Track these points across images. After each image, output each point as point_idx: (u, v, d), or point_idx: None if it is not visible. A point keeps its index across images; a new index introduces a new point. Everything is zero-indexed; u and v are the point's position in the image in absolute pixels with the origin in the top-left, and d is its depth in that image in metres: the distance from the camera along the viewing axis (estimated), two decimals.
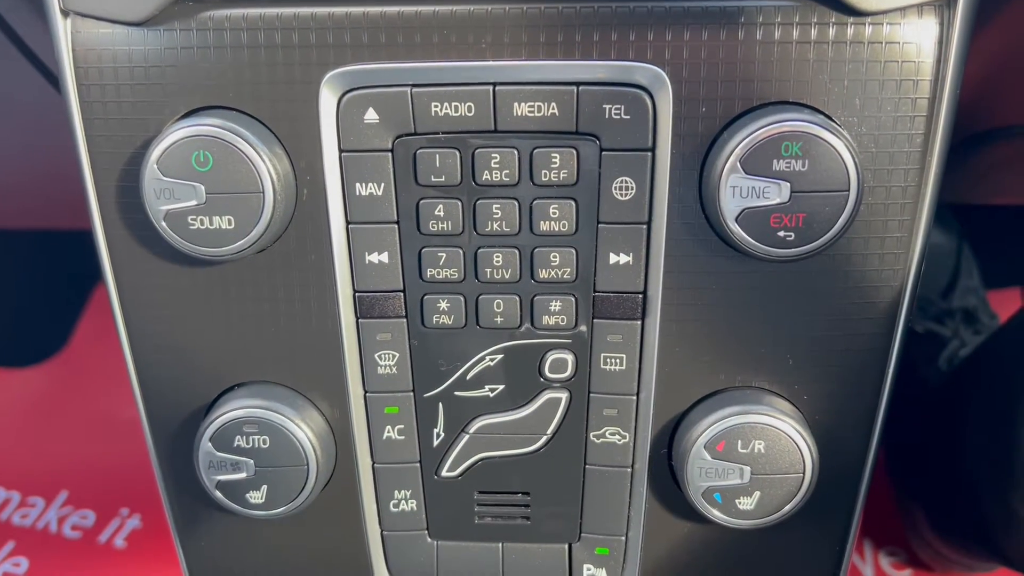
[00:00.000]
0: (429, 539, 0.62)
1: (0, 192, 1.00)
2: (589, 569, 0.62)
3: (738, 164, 0.49)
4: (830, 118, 0.50)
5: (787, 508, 0.55)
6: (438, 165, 0.52)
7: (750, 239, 0.50)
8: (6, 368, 1.58)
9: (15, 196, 1.03)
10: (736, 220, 0.50)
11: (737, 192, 0.49)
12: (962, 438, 1.13)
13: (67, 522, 1.35)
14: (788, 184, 0.49)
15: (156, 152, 0.50)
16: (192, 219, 0.51)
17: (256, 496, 0.57)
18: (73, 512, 1.36)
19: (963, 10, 0.49)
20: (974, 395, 1.14)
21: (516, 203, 0.53)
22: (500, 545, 0.62)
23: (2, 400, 1.55)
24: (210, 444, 0.56)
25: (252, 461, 0.56)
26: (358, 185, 0.53)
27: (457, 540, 0.62)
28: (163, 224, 0.51)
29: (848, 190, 0.49)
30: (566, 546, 0.61)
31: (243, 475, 0.56)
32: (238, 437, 0.56)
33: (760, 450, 0.54)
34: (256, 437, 0.56)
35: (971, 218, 1.31)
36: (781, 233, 0.50)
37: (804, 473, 0.54)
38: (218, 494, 0.57)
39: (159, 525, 1.34)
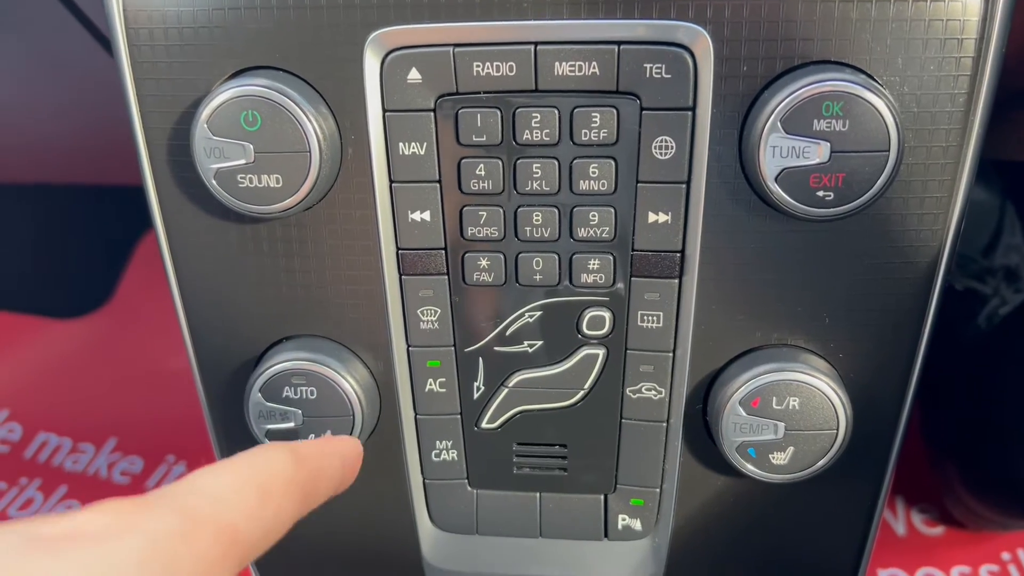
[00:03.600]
0: (469, 488, 0.64)
1: (46, 148, 1.02)
2: (624, 519, 0.63)
3: (779, 124, 0.49)
4: (872, 77, 0.49)
5: (820, 464, 0.56)
6: (479, 124, 0.53)
7: (789, 199, 0.50)
8: (55, 319, 1.62)
9: (61, 152, 1.05)
10: (776, 180, 0.50)
11: (777, 152, 0.49)
12: (999, 397, 1.12)
13: (116, 468, 1.39)
14: (828, 144, 0.49)
15: (206, 112, 0.51)
16: (241, 177, 0.52)
17: None
18: (122, 458, 1.40)
19: None
20: (1013, 354, 1.13)
21: (556, 162, 0.53)
22: (538, 495, 0.63)
23: (52, 350, 1.59)
24: (260, 395, 0.58)
25: (300, 411, 0.58)
26: (401, 144, 0.54)
27: (496, 489, 0.63)
28: (213, 182, 0.52)
29: (888, 150, 0.49)
30: (602, 497, 0.63)
31: (291, 424, 0.58)
32: (287, 388, 0.58)
33: (795, 406, 0.55)
34: (304, 388, 0.58)
35: (1015, 174, 1.29)
36: (820, 193, 0.50)
37: (838, 430, 0.55)
38: (268, 443, 0.59)
39: None
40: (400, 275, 0.57)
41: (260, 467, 0.39)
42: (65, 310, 1.63)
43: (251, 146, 0.51)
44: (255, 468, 0.39)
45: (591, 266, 0.56)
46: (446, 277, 0.57)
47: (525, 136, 0.53)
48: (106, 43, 0.60)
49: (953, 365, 1.19)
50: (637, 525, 0.63)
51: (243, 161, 0.52)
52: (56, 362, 1.57)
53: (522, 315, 0.58)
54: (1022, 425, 1.07)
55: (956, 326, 1.23)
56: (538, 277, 0.56)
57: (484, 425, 0.61)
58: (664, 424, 0.60)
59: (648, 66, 0.51)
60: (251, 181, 0.52)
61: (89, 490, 1.36)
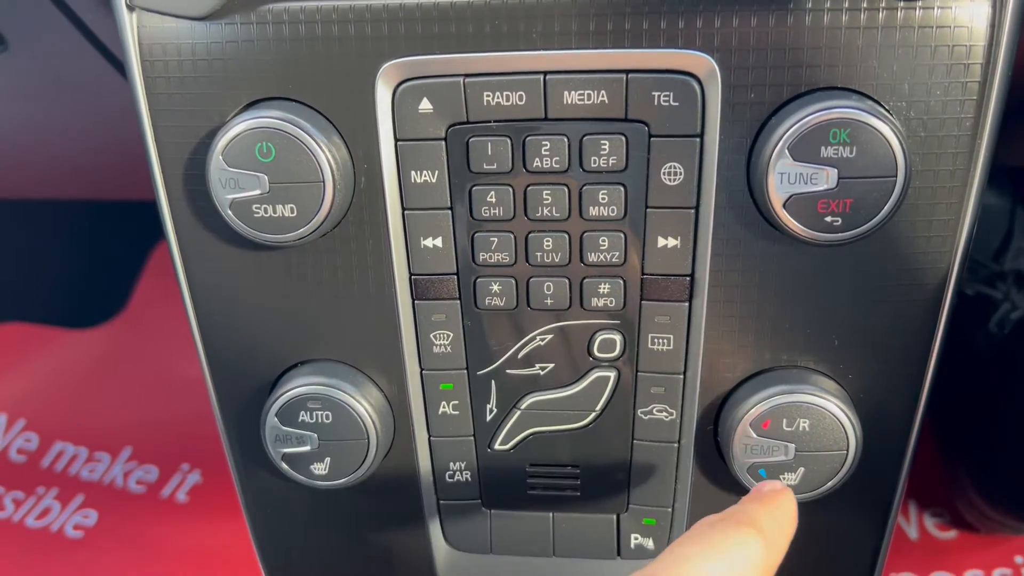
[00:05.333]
0: (483, 508, 0.64)
1: (58, 166, 1.04)
2: (636, 538, 0.64)
3: (786, 151, 0.49)
4: (879, 103, 0.50)
5: (830, 484, 0.57)
6: (490, 153, 0.53)
7: (798, 224, 0.51)
8: (70, 329, 1.64)
9: (76, 170, 1.06)
10: (784, 206, 0.50)
11: (785, 178, 0.50)
12: (1010, 402, 1.13)
13: (132, 476, 1.40)
14: (836, 170, 0.49)
15: (221, 143, 0.52)
16: (256, 207, 0.53)
17: (320, 467, 0.60)
18: (137, 467, 1.41)
19: None
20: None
21: (566, 189, 0.54)
22: (551, 515, 0.64)
23: (67, 360, 1.60)
24: (276, 419, 0.59)
25: (316, 435, 0.59)
26: (413, 172, 0.54)
27: (510, 509, 0.64)
28: (228, 212, 0.53)
29: (895, 176, 0.49)
30: (615, 516, 0.64)
31: (307, 448, 0.59)
32: (302, 412, 0.59)
33: (805, 428, 0.55)
34: (319, 412, 0.58)
35: None
36: (828, 218, 0.50)
37: (848, 450, 0.56)
38: (284, 465, 0.60)
39: (219, 480, 1.39)
40: (413, 300, 0.58)
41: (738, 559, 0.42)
42: (80, 320, 1.64)
43: (266, 177, 0.52)
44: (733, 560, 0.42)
45: (601, 290, 0.56)
46: (458, 302, 0.58)
47: (535, 163, 0.53)
48: (121, 67, 0.61)
49: (964, 369, 1.19)
50: (650, 544, 0.64)
51: (258, 192, 0.52)
52: (72, 372, 1.58)
53: (533, 338, 0.58)
54: None
55: (967, 331, 1.23)
56: (549, 301, 0.57)
57: (497, 447, 0.62)
58: (676, 445, 0.60)
59: (656, 94, 0.51)
60: (266, 211, 0.53)
61: (106, 499, 1.37)
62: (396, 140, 0.54)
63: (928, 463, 1.27)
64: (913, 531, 1.26)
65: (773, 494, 0.47)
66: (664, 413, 0.59)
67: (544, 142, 0.53)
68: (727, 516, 0.44)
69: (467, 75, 0.52)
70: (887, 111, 0.50)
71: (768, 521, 0.44)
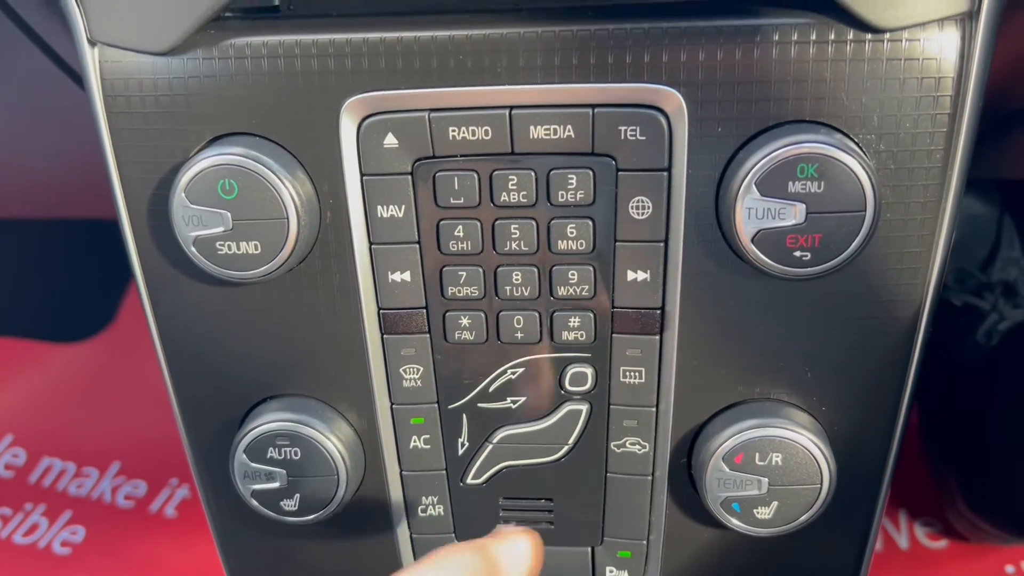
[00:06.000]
0: (456, 542, 0.64)
1: (43, 187, 1.04)
2: (612, 571, 0.63)
3: (753, 186, 0.49)
4: (848, 136, 0.49)
5: (804, 517, 0.56)
6: (457, 187, 0.53)
7: (766, 259, 0.50)
8: (57, 343, 1.63)
9: (56, 191, 1.06)
10: (752, 240, 0.50)
11: (753, 213, 0.49)
12: (998, 412, 1.12)
13: (120, 492, 1.40)
14: (804, 205, 0.49)
15: (183, 180, 0.51)
16: (220, 244, 0.52)
17: (290, 504, 0.59)
18: (126, 482, 1.41)
19: (985, 22, 0.48)
20: (1012, 370, 1.13)
21: (534, 223, 0.53)
22: None
23: (55, 374, 1.60)
24: (245, 456, 0.58)
25: (285, 472, 0.58)
26: (379, 207, 0.54)
27: None
28: (192, 249, 0.53)
29: (864, 210, 0.49)
30: (589, 549, 0.63)
31: (276, 484, 0.59)
32: (271, 449, 0.58)
33: (778, 462, 0.55)
34: (288, 449, 0.58)
35: (1014, 190, 1.28)
36: (797, 253, 0.50)
37: (821, 484, 0.55)
38: (254, 502, 0.60)
39: None
40: (382, 334, 0.57)
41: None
42: (67, 334, 1.64)
43: (228, 214, 0.52)
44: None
45: (572, 323, 0.56)
46: (428, 336, 0.57)
47: (503, 198, 0.53)
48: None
49: (953, 380, 1.19)
50: None
51: (221, 229, 0.52)
52: (59, 386, 1.58)
53: (504, 372, 0.58)
54: (1021, 441, 1.07)
55: (955, 341, 1.23)
56: (519, 335, 0.56)
57: (470, 480, 0.61)
58: (649, 477, 0.60)
59: (623, 128, 0.51)
60: (230, 248, 0.52)
61: (94, 515, 1.37)
62: (362, 175, 0.53)
63: (918, 473, 1.27)
64: (903, 541, 1.26)
65: (511, 533, 0.49)
66: (637, 446, 0.59)
67: (511, 176, 0.52)
68: (459, 544, 0.46)
69: (432, 110, 0.51)
70: (856, 144, 0.49)
71: (497, 549, 0.46)
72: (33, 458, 1.46)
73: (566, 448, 0.60)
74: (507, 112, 0.51)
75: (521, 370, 0.58)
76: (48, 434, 1.50)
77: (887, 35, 0.48)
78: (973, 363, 1.19)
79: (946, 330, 1.22)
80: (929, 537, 1.26)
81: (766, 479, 0.55)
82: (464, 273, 0.55)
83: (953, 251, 0.53)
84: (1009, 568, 1.22)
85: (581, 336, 0.56)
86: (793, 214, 0.49)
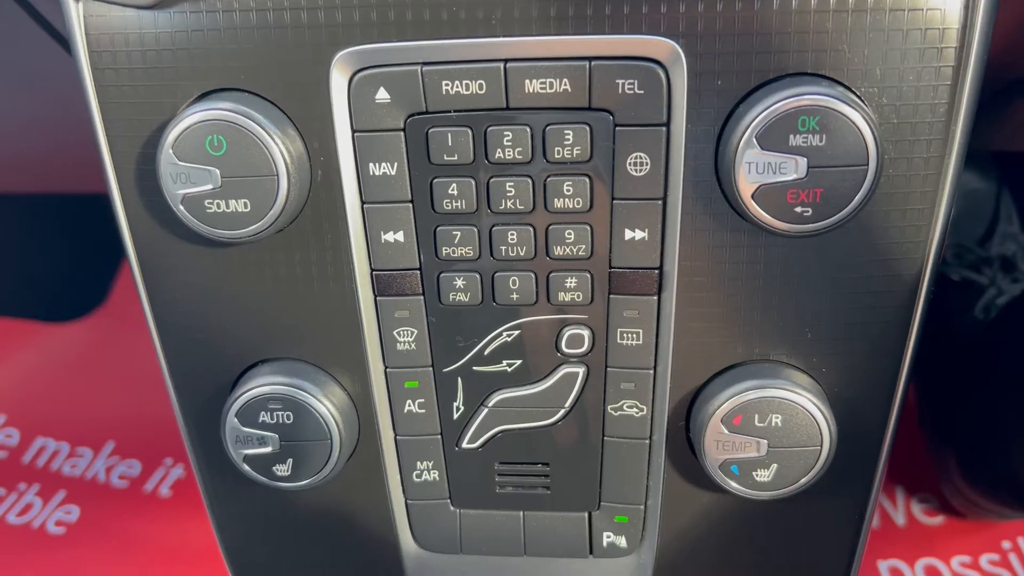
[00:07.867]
0: (452, 508, 0.63)
1: (33, 159, 1.03)
2: (609, 536, 0.63)
3: (754, 140, 0.48)
4: (850, 89, 0.48)
5: (804, 480, 0.56)
6: (451, 144, 0.52)
7: (767, 215, 0.49)
8: (50, 323, 1.62)
9: (46, 163, 1.05)
10: (752, 196, 0.49)
11: (753, 168, 0.48)
12: (996, 388, 1.12)
13: (115, 472, 1.39)
14: (805, 159, 0.48)
15: (171, 137, 0.50)
16: (209, 203, 0.51)
17: (282, 469, 0.58)
18: (120, 462, 1.40)
19: None
20: (1010, 345, 1.12)
21: (530, 180, 0.52)
22: (521, 513, 0.63)
23: (48, 354, 1.59)
24: (236, 420, 0.57)
25: (277, 436, 0.58)
26: (371, 165, 0.53)
27: (479, 509, 0.63)
28: (180, 208, 0.52)
29: (867, 164, 0.48)
30: (586, 514, 0.62)
31: (269, 449, 0.58)
32: (263, 413, 0.57)
33: (777, 424, 0.54)
34: (280, 413, 0.57)
35: (1011, 164, 1.27)
36: (798, 209, 0.49)
37: (822, 446, 0.55)
38: (246, 467, 0.59)
39: None
40: (375, 296, 0.56)
41: None
42: (60, 314, 1.63)
43: (217, 171, 0.51)
44: None
45: (568, 284, 0.55)
46: (422, 297, 0.56)
47: (497, 155, 0.52)
48: None
49: (950, 355, 1.18)
50: (622, 542, 0.63)
51: (210, 186, 0.51)
52: (53, 366, 1.57)
53: (500, 334, 0.57)
54: (1019, 416, 1.07)
55: (953, 316, 1.22)
56: (515, 296, 0.55)
57: (465, 445, 0.61)
58: (647, 441, 0.59)
59: (620, 82, 0.50)
60: (219, 206, 0.51)
61: (88, 494, 1.37)
62: (353, 131, 0.52)
63: (914, 449, 1.27)
64: (900, 517, 1.26)
65: None
66: (635, 409, 0.58)
67: (506, 132, 0.51)
68: None
69: (425, 63, 0.50)
70: (858, 97, 0.48)
71: None
72: (27, 438, 1.45)
73: (562, 412, 0.59)
74: (502, 65, 0.50)
75: (517, 332, 0.57)
76: (42, 414, 1.49)
77: None
78: (971, 338, 1.19)
79: (944, 305, 1.21)
80: (926, 514, 1.26)
81: (765, 441, 0.55)
82: (458, 233, 0.54)
83: (951, 226, 0.52)
84: (1006, 544, 1.22)
85: (578, 297, 0.55)
86: (794, 168, 0.48)
